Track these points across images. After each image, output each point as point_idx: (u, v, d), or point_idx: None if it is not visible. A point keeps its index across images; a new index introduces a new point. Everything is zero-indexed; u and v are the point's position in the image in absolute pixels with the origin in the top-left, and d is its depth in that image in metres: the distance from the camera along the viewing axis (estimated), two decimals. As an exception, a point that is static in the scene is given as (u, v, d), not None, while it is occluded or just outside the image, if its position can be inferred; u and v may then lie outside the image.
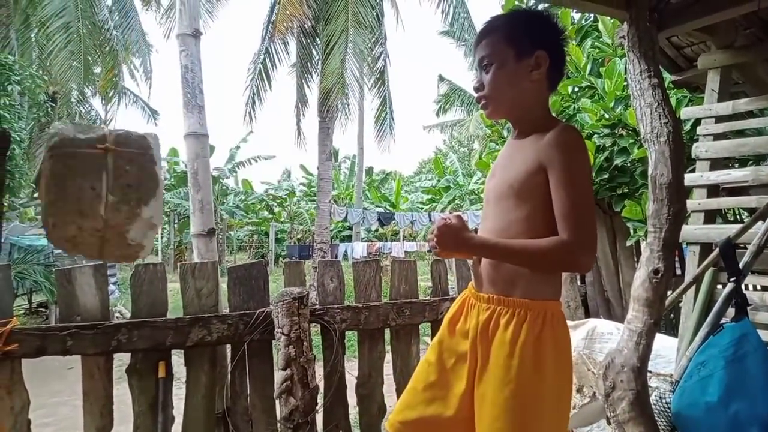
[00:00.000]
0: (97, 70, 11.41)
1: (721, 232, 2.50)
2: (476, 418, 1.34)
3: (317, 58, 11.85)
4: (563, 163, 1.29)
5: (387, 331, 2.81)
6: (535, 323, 1.31)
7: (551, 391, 1.31)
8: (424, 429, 1.44)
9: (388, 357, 2.82)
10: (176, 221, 21.50)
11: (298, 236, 23.51)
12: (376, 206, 22.46)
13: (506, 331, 1.32)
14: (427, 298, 2.93)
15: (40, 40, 10.17)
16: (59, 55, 9.45)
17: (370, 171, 26.52)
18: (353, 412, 2.80)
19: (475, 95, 1.47)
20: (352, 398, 2.72)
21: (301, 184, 26.95)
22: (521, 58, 1.38)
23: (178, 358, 2.50)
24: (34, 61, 10.95)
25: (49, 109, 12.43)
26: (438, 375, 1.45)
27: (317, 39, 11.60)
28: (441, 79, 19.73)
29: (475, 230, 1.48)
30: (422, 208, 22.46)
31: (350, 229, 19.97)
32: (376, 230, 22.34)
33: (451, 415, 1.40)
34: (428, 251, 19.25)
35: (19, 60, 9.89)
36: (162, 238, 23.09)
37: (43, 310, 9.67)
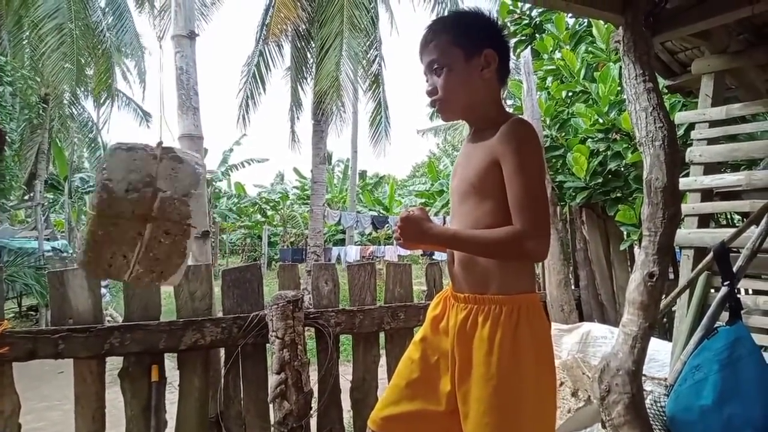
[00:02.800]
0: (90, 71, 11.35)
1: (714, 236, 2.51)
2: (461, 415, 1.35)
3: (312, 61, 11.82)
4: (513, 154, 1.31)
5: (381, 335, 2.80)
6: (511, 318, 1.33)
7: (534, 383, 1.32)
8: (407, 425, 1.46)
9: (383, 360, 2.81)
10: (169, 224, 21.33)
11: (291, 240, 23.43)
12: (370, 210, 22.43)
13: (483, 329, 1.33)
14: (422, 301, 2.93)
15: (33, 41, 10.10)
16: (52, 56, 9.39)
17: (363, 174, 26.51)
18: (348, 415, 2.79)
19: (430, 99, 1.47)
20: (346, 402, 2.70)
21: (294, 187, 26.88)
22: (470, 58, 1.39)
23: (170, 362, 2.48)
24: (26, 63, 10.88)
25: (41, 111, 12.37)
26: (421, 372, 1.46)
27: (312, 42, 11.58)
28: (435, 82, 19.73)
29: None
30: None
31: (343, 232, 19.94)
32: (370, 234, 22.28)
33: (434, 411, 1.42)
34: (422, 255, 19.27)
35: (11, 61, 9.83)
36: (154, 240, 22.90)
37: (33, 313, 9.58)
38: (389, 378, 2.78)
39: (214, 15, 13.07)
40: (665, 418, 2.07)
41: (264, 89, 12.24)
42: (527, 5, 4.80)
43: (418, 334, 1.55)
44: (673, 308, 2.75)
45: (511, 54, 1.50)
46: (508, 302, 1.34)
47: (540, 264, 3.82)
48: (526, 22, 5.03)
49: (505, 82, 1.51)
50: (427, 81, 1.47)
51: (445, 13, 12.37)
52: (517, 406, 1.30)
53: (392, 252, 17.51)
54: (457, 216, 1.47)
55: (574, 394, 2.45)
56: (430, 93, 1.46)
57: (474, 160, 1.41)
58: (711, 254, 2.32)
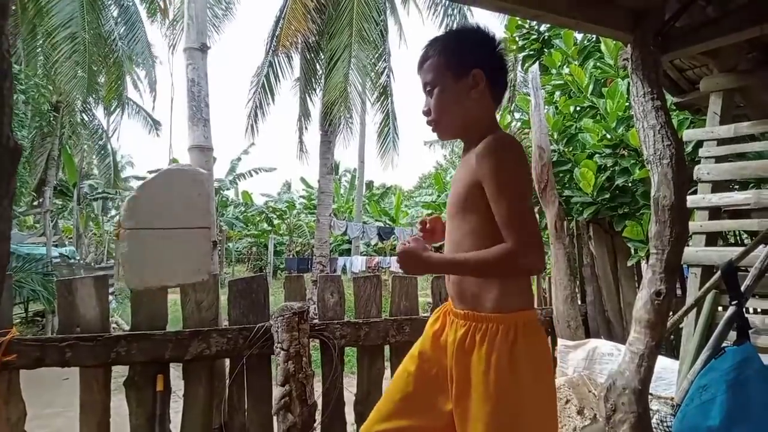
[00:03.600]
0: (101, 80, 11.47)
1: (722, 254, 2.50)
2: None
3: (321, 72, 11.92)
4: (492, 174, 1.31)
5: (387, 348, 2.79)
6: (507, 337, 1.32)
7: (533, 401, 1.32)
8: None
9: (388, 374, 2.80)
10: (175, 232, 21.43)
11: (297, 249, 23.45)
12: (376, 220, 22.43)
13: (481, 348, 1.33)
14: (428, 314, 2.91)
15: (46, 50, 10.24)
16: (64, 64, 9.50)
17: (370, 185, 26.54)
18: (351, 429, 2.77)
19: (426, 120, 1.50)
20: (350, 415, 2.69)
21: (301, 196, 26.92)
22: (459, 79, 1.42)
23: (175, 372, 2.48)
24: (39, 71, 11.02)
25: (52, 118, 12.50)
26: (417, 386, 1.46)
27: (321, 54, 11.68)
28: (443, 95, 19.77)
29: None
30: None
31: (350, 242, 19.93)
32: (376, 244, 22.28)
33: (429, 427, 1.42)
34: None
35: (25, 69, 9.96)
36: (161, 248, 22.99)
37: (40, 318, 9.62)
38: (394, 392, 2.77)
39: (225, 27, 13.23)
40: (672, 438, 2.05)
41: (273, 100, 12.33)
42: (534, 21, 4.82)
43: (416, 347, 1.54)
44: (681, 326, 2.74)
45: (510, 69, 1.52)
46: (504, 321, 1.34)
47: (546, 279, 3.81)
48: (535, 37, 5.06)
49: (501, 99, 1.52)
50: (425, 102, 1.50)
51: (454, 26, 12.45)
52: (516, 426, 1.29)
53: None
54: (449, 231, 1.49)
55: (579, 413, 2.44)
56: (425, 113, 1.49)
57: (459, 178, 1.44)
58: (719, 273, 2.31)
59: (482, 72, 1.41)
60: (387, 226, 19.74)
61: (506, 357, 1.31)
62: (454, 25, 12.77)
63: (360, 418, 2.70)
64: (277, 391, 2.37)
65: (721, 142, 2.77)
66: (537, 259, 1.30)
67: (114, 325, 8.36)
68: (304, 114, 12.47)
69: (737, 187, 3.12)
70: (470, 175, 1.37)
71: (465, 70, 1.41)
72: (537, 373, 1.34)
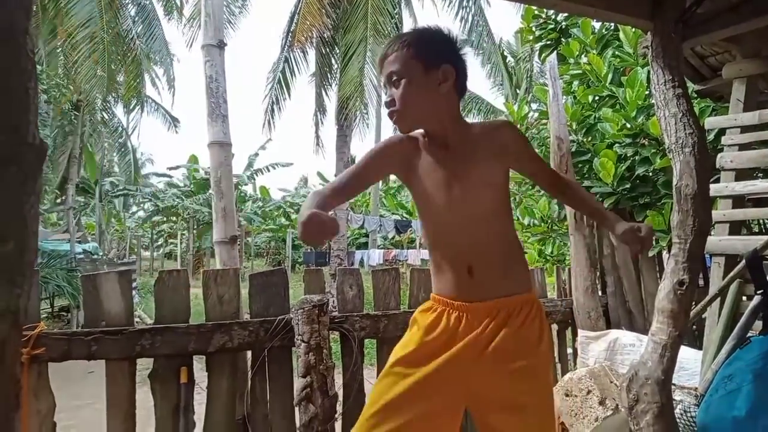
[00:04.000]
0: (121, 78, 11.62)
1: (746, 243, 2.46)
2: (506, 412, 1.39)
3: (336, 66, 11.93)
4: (527, 145, 1.60)
5: (406, 340, 2.80)
6: (540, 311, 1.49)
7: (552, 368, 1.65)
8: None
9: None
10: (195, 227, 21.72)
11: (315, 243, 23.52)
12: (393, 214, 22.45)
13: (519, 327, 1.41)
14: (447, 307, 2.91)
15: (66, 50, 10.39)
16: (84, 64, 9.65)
17: (386, 178, 26.53)
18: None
19: (388, 111, 1.50)
20: (371, 406, 2.71)
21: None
22: (428, 72, 1.44)
23: (198, 364, 2.52)
24: (59, 71, 11.20)
25: (73, 117, 12.71)
26: (420, 387, 1.40)
27: (336, 48, 11.69)
28: (458, 87, 19.67)
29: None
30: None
31: (367, 236, 19.99)
32: (393, 238, 22.30)
33: (432, 425, 1.41)
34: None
35: (46, 69, 10.12)
36: (181, 244, 23.34)
37: (65, 314, 9.81)
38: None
39: (242, 23, 13.30)
40: (695, 429, 2.03)
41: (289, 95, 12.39)
42: (551, 11, 4.77)
43: (407, 349, 1.48)
44: (704, 316, 2.70)
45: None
46: (529, 300, 1.47)
47: (566, 270, 3.79)
48: (552, 26, 5.01)
49: (463, 95, 1.57)
50: (385, 93, 1.51)
51: (470, 20, 12.31)
52: (549, 400, 1.48)
53: (415, 256, 17.50)
54: (467, 228, 1.45)
55: (601, 403, 2.42)
56: (388, 104, 1.49)
57: (478, 165, 1.46)
58: (743, 262, 2.27)
59: (452, 68, 1.45)
60: (404, 219, 19.74)
61: (537, 333, 1.43)
62: (470, 17, 12.68)
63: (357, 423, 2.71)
64: (298, 383, 2.40)
65: (745, 129, 2.72)
66: None
67: (137, 319, 8.49)
68: (320, 108, 12.51)
69: (761, 175, 3.06)
70: (497, 159, 1.48)
71: (435, 64, 1.44)
72: (551, 342, 1.63)
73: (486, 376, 1.39)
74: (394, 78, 1.46)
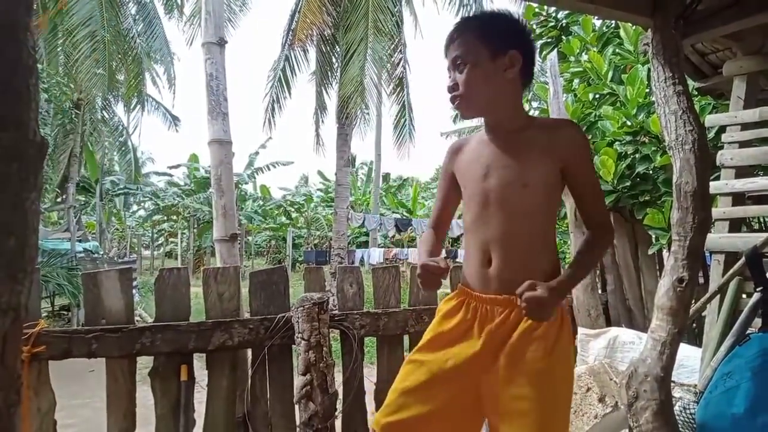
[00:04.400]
0: (121, 77, 11.63)
1: (746, 240, 2.46)
2: (502, 415, 1.38)
3: (336, 65, 11.93)
4: (584, 159, 1.43)
5: (406, 338, 2.81)
6: (558, 319, 1.40)
7: (567, 379, 1.44)
8: (415, 428, 1.45)
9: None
10: (196, 226, 21.74)
11: (315, 242, 23.60)
12: (393, 212, 22.46)
13: (530, 328, 1.37)
14: (447, 304, 2.92)
15: (67, 49, 10.39)
16: (85, 62, 9.65)
17: (387, 177, 26.56)
18: (372, 417, 2.79)
19: (449, 95, 1.47)
20: (371, 404, 2.72)
21: (318, 189, 27.08)
22: (495, 57, 1.41)
23: (198, 362, 2.52)
24: (60, 69, 11.20)
25: (73, 116, 12.71)
26: (432, 375, 1.44)
27: (337, 46, 11.69)
28: (459, 85, 19.67)
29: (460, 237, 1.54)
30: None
31: (367, 235, 20.00)
32: (393, 236, 22.32)
33: (447, 413, 1.43)
34: (445, 258, 19.19)
35: (46, 68, 10.12)
36: (181, 242, 23.36)
37: (66, 312, 9.82)
38: (414, 381, 2.78)
39: (242, 21, 13.29)
40: (695, 426, 2.04)
41: (289, 93, 12.39)
42: (552, 8, 4.76)
43: (430, 337, 1.52)
44: (703, 314, 2.71)
45: (536, 58, 1.54)
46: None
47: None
48: (552, 24, 5.01)
49: (528, 86, 1.52)
50: (449, 77, 1.47)
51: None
52: (559, 405, 1.38)
53: (415, 254, 17.50)
54: (495, 218, 1.44)
55: (601, 400, 2.43)
56: (451, 88, 1.46)
57: (522, 160, 1.41)
58: (743, 259, 2.27)
59: (519, 54, 1.41)
60: (404, 217, 19.76)
61: (554, 339, 1.38)
62: (470, 14, 12.65)
63: (380, 407, 2.71)
64: (298, 381, 2.40)
65: (745, 126, 2.72)
66: (612, 234, 1.52)
67: (138, 318, 8.49)
68: (321, 107, 12.51)
69: (761, 172, 3.06)
70: (545, 158, 1.40)
71: (502, 50, 1.40)
72: (570, 355, 1.47)
73: (495, 373, 1.39)
74: (459, 62, 1.43)
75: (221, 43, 4.94)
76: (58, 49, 10.92)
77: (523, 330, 1.36)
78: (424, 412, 1.42)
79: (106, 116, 14.90)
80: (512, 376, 1.36)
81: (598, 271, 4.07)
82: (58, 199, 15.55)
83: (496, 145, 1.48)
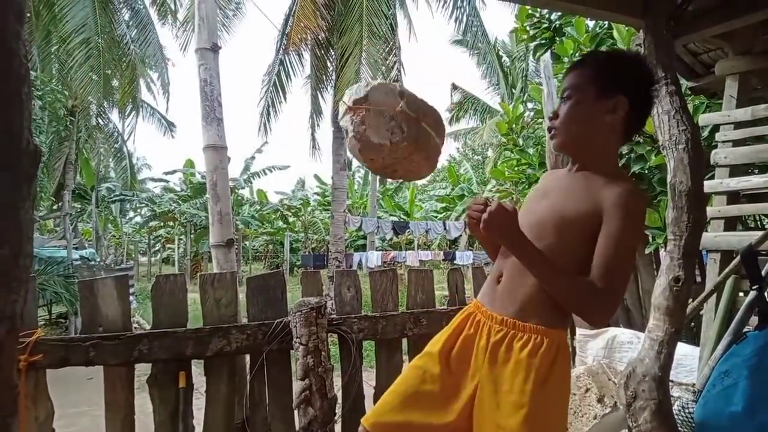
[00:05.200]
0: (116, 83, 11.62)
1: (742, 239, 2.47)
2: None
3: (331, 68, 11.94)
4: (622, 219, 1.27)
5: (404, 341, 2.81)
6: (550, 351, 1.32)
7: (557, 420, 1.35)
8: None
9: (406, 367, 2.81)
10: (192, 232, 21.70)
11: (313, 246, 23.59)
12: (391, 215, 22.47)
13: (521, 355, 1.32)
14: (444, 307, 2.92)
15: (61, 56, 10.38)
16: (79, 70, 9.64)
17: (383, 180, 26.55)
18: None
19: (549, 124, 1.46)
20: (370, 408, 2.71)
21: (315, 193, 27.06)
22: (600, 99, 1.37)
23: (197, 369, 2.52)
24: (54, 76, 11.18)
25: (68, 123, 12.69)
26: (432, 384, 1.43)
27: (332, 50, 11.70)
28: (454, 87, 19.75)
29: None
30: (436, 217, 22.43)
31: (365, 238, 19.98)
32: (391, 239, 22.33)
33: (440, 425, 1.39)
34: (443, 260, 19.21)
35: (40, 75, 10.10)
36: (178, 248, 23.30)
37: (63, 320, 9.78)
38: (413, 384, 2.77)
39: (236, 26, 13.30)
40: (693, 425, 2.04)
41: (285, 98, 12.40)
42: (545, 10, 4.78)
43: (434, 345, 1.51)
44: (701, 312, 2.71)
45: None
46: (549, 335, 1.33)
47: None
48: (546, 25, 5.02)
49: (632, 138, 1.49)
50: (557, 108, 1.46)
51: (464, 21, 12.28)
52: None
53: (413, 257, 17.52)
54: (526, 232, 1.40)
55: (600, 401, 2.43)
56: (551, 118, 1.45)
57: (575, 196, 1.37)
58: (738, 257, 2.28)
59: (627, 101, 1.36)
60: (402, 220, 19.78)
61: (545, 371, 1.30)
62: (464, 18, 12.72)
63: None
64: (297, 386, 2.40)
65: (738, 125, 2.74)
66: (609, 313, 1.31)
67: (135, 325, 8.48)
68: (316, 111, 12.51)
69: (756, 171, 3.08)
70: (592, 203, 1.32)
71: (610, 93, 1.36)
72: (564, 394, 1.37)
73: (481, 394, 1.37)
74: (566, 94, 1.41)
75: (215, 48, 4.94)
76: (53, 57, 10.90)
77: (516, 359, 1.33)
78: (415, 420, 1.41)
79: (101, 123, 14.87)
80: (494, 402, 1.33)
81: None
82: (54, 207, 15.51)
83: (568, 176, 1.47)
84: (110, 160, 18.75)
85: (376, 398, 2.70)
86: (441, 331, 1.55)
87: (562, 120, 1.41)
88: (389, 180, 27.35)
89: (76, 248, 11.89)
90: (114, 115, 15.41)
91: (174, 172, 23.87)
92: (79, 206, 19.64)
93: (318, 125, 12.68)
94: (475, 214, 1.38)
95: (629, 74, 1.40)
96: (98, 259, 12.93)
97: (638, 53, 1.44)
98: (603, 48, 4.37)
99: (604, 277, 1.25)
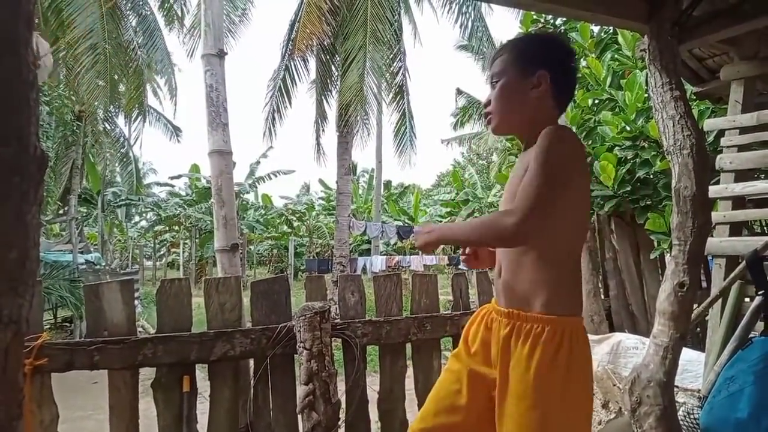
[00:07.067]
0: (122, 88, 11.68)
1: (747, 244, 2.46)
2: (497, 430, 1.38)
3: (336, 74, 11.98)
4: (539, 151, 1.29)
5: (408, 346, 2.80)
6: (553, 340, 1.31)
7: (566, 410, 1.31)
8: None
9: (410, 371, 2.81)
10: (197, 236, 21.75)
11: (317, 250, 23.58)
12: (395, 220, 22.46)
13: (524, 347, 1.33)
14: (448, 312, 2.92)
15: (68, 61, 10.44)
16: (86, 75, 9.69)
17: (388, 185, 26.55)
18: (375, 426, 2.79)
19: (483, 111, 1.54)
20: (374, 413, 2.71)
21: (320, 198, 27.09)
22: (524, 77, 1.44)
23: (201, 373, 2.52)
24: (61, 82, 11.25)
25: (75, 128, 12.76)
26: (459, 384, 1.48)
27: (336, 55, 11.74)
28: (459, 92, 19.78)
29: None
30: (441, 222, 22.43)
31: (369, 242, 19.99)
32: (395, 244, 22.31)
33: (471, 423, 1.45)
34: (447, 265, 19.19)
35: (48, 81, 10.16)
36: (183, 253, 23.36)
37: (68, 324, 9.82)
38: (416, 389, 2.78)
39: (242, 32, 13.36)
40: (699, 431, 2.03)
41: (290, 103, 12.43)
42: (550, 15, 4.78)
43: (458, 348, 1.57)
44: (706, 318, 2.70)
45: (574, 79, 1.53)
46: (552, 323, 1.32)
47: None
48: (551, 30, 5.02)
49: (564, 107, 1.53)
50: (488, 95, 1.53)
51: (469, 26, 12.33)
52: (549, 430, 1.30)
53: (418, 262, 17.49)
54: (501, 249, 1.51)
55: (604, 406, 2.42)
56: (484, 105, 1.53)
57: (522, 166, 1.42)
58: (744, 263, 2.27)
59: (547, 74, 1.42)
60: (406, 225, 19.75)
61: (548, 360, 1.30)
62: (470, 23, 12.75)
63: (383, 416, 2.71)
64: (301, 390, 2.40)
65: (744, 130, 2.73)
66: (522, 227, 1.24)
67: (140, 329, 8.48)
68: (321, 116, 12.54)
69: (761, 176, 3.07)
70: (525, 166, 1.36)
71: (531, 69, 1.43)
72: (576, 383, 1.33)
73: (496, 388, 1.39)
74: (494, 80, 1.49)
75: (221, 54, 4.98)
76: (60, 62, 10.97)
77: (519, 349, 1.34)
78: (453, 422, 1.47)
79: (108, 128, 14.94)
80: (505, 394, 1.36)
81: (600, 277, 4.06)
82: (60, 211, 15.58)
83: (518, 161, 1.52)
84: (116, 164, 18.81)
85: (380, 403, 2.70)
86: (465, 327, 1.60)
87: (494, 103, 1.48)
88: (393, 184, 27.35)
89: (82, 252, 11.95)
90: (120, 120, 15.52)
91: (179, 176, 23.95)
92: (85, 210, 19.71)
93: (323, 130, 12.72)
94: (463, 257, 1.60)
95: (545, 50, 1.48)
96: (104, 264, 12.97)
97: (552, 33, 1.51)
98: (608, 53, 4.38)
99: (517, 202, 1.27)
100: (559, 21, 4.98)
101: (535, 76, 1.42)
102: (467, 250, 1.62)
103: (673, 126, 1.99)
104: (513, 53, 1.47)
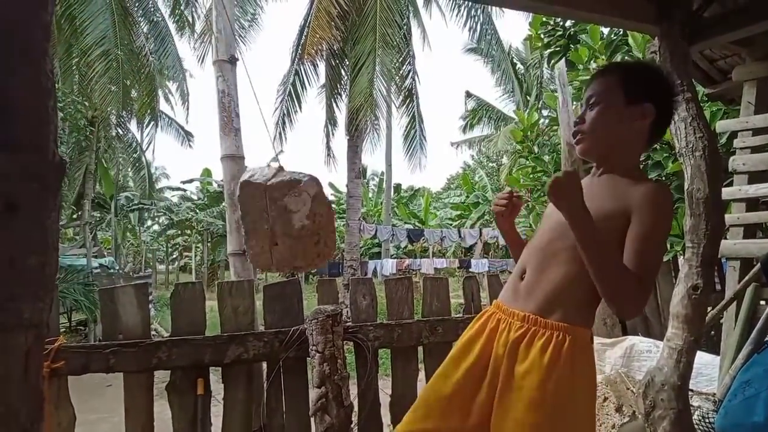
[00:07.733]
0: (134, 94, 11.80)
1: (762, 246, 2.44)
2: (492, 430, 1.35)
3: (346, 78, 12.03)
4: (653, 218, 1.28)
5: (420, 349, 2.80)
6: (573, 349, 1.30)
7: (581, 419, 1.32)
8: None
9: (422, 375, 2.81)
10: (209, 240, 21.88)
11: (328, 254, 23.57)
12: (405, 223, 22.44)
13: (544, 354, 1.31)
14: (460, 315, 2.92)
15: (81, 68, 10.57)
16: (99, 81, 9.81)
17: (398, 188, 26.56)
18: (387, 430, 2.79)
19: (574, 129, 1.47)
20: (386, 416, 2.71)
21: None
22: (629, 105, 1.39)
23: (214, 377, 2.54)
24: (75, 88, 11.39)
25: (89, 133, 12.90)
26: (453, 388, 1.44)
27: (346, 60, 11.79)
28: (468, 95, 19.76)
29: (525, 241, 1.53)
30: (451, 225, 22.35)
31: (379, 246, 19.99)
32: (405, 247, 22.29)
33: (462, 427, 1.40)
34: (458, 268, 19.12)
35: (62, 87, 10.30)
36: (195, 256, 23.50)
37: (83, 328, 9.92)
38: (429, 392, 2.77)
39: (252, 38, 13.45)
40: (714, 435, 2.01)
41: (300, 107, 12.51)
42: (559, 17, 4.77)
43: (456, 349, 1.53)
44: (721, 321, 2.68)
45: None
46: (572, 333, 1.32)
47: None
48: (560, 33, 5.02)
49: (652, 145, 1.53)
50: (580, 112, 1.48)
51: (478, 29, 12.33)
52: None
53: (428, 265, 17.47)
54: (547, 241, 1.43)
55: (618, 410, 2.40)
56: (576, 123, 1.47)
57: (601, 197, 1.37)
58: (758, 265, 2.25)
59: (653, 108, 1.38)
60: (416, 228, 19.73)
61: (569, 370, 1.29)
62: (478, 26, 12.76)
63: (396, 419, 2.71)
64: (313, 393, 2.41)
65: (757, 131, 2.71)
66: (643, 305, 1.29)
67: (153, 332, 8.55)
68: (331, 120, 12.60)
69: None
70: (619, 205, 1.33)
71: (638, 99, 1.38)
72: (588, 392, 1.35)
73: (498, 391, 1.37)
74: (593, 100, 1.43)
75: (232, 60, 5.02)
76: (73, 69, 11.10)
77: (537, 356, 1.31)
78: (439, 426, 1.42)
79: (121, 133, 15.09)
80: (514, 399, 1.33)
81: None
82: (74, 216, 15.75)
83: (591, 182, 1.47)
84: (129, 169, 19.01)
85: (392, 406, 2.70)
86: (462, 334, 1.56)
87: (591, 125, 1.42)
88: (403, 187, 27.27)
89: (96, 257, 12.07)
90: (133, 126, 15.67)
91: (191, 181, 24.13)
92: (99, 215, 19.90)
93: (333, 134, 12.78)
94: (500, 203, 1.53)
95: (655, 83, 1.42)
96: (117, 268, 13.09)
97: (659, 66, 1.47)
98: (618, 55, 4.36)
99: (638, 269, 1.24)
100: (569, 23, 4.97)
101: (641, 107, 1.38)
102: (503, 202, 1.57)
103: (685, 128, 1.98)
104: (621, 77, 1.42)
